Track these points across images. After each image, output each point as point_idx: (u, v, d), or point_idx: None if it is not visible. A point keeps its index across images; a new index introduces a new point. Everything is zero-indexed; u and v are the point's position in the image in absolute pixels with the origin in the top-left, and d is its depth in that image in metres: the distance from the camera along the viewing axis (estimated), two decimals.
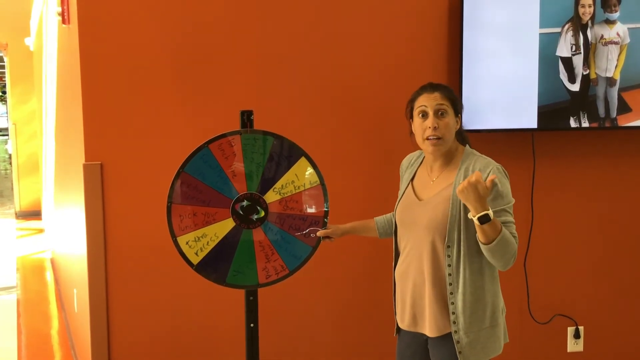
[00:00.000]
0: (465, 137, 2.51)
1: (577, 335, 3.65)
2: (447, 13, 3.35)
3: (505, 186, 2.32)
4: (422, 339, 2.45)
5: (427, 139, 2.36)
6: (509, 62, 3.32)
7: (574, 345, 3.66)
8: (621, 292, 3.70)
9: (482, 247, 2.24)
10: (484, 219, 2.17)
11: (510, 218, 2.31)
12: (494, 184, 2.22)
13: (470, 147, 2.47)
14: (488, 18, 3.28)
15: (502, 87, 3.32)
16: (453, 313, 2.33)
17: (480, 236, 2.23)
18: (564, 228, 3.61)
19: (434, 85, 2.42)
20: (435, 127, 2.34)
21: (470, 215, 2.22)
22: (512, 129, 3.37)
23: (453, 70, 3.35)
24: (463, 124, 2.63)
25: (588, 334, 3.67)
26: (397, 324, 2.56)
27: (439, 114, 2.36)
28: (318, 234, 2.65)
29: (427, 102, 2.38)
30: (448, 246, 2.32)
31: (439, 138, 2.35)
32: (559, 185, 3.57)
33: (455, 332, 2.33)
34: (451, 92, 2.43)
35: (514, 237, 2.29)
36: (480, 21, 3.27)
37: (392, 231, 2.69)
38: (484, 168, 2.33)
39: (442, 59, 3.36)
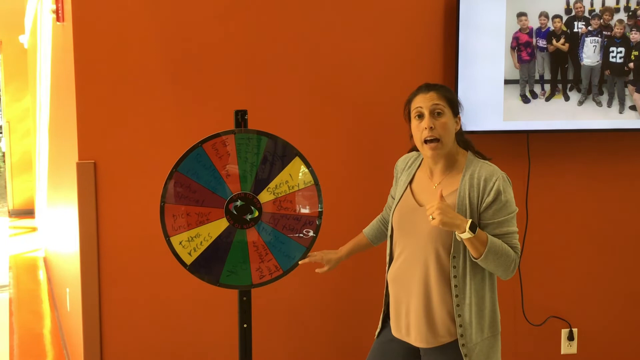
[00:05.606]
0: (467, 140, 2.42)
1: (571, 338, 3.65)
2: (442, 14, 3.34)
3: (510, 194, 2.28)
4: (414, 347, 2.39)
5: (425, 142, 2.29)
6: (504, 62, 3.32)
7: (567, 348, 3.66)
8: (615, 294, 3.70)
9: (476, 261, 2.23)
10: (474, 227, 2.16)
11: (513, 228, 2.28)
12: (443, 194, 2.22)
13: (474, 149, 2.41)
14: (484, 19, 3.27)
15: (497, 87, 3.32)
16: (460, 326, 2.27)
17: (472, 252, 2.22)
18: (558, 229, 3.60)
19: (429, 85, 2.36)
20: (431, 128, 2.27)
21: (460, 236, 2.19)
22: (507, 130, 3.36)
23: (449, 71, 3.34)
24: None
25: (582, 336, 3.67)
26: (380, 327, 2.51)
27: (435, 113, 2.29)
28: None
29: (422, 102, 2.31)
30: (454, 256, 2.27)
31: (437, 140, 2.28)
32: (554, 186, 3.57)
33: (463, 345, 2.28)
34: (448, 91, 2.36)
35: (515, 247, 2.26)
36: (476, 22, 3.26)
37: (382, 236, 2.67)
38: (489, 177, 2.27)
39: (438, 60, 3.36)
